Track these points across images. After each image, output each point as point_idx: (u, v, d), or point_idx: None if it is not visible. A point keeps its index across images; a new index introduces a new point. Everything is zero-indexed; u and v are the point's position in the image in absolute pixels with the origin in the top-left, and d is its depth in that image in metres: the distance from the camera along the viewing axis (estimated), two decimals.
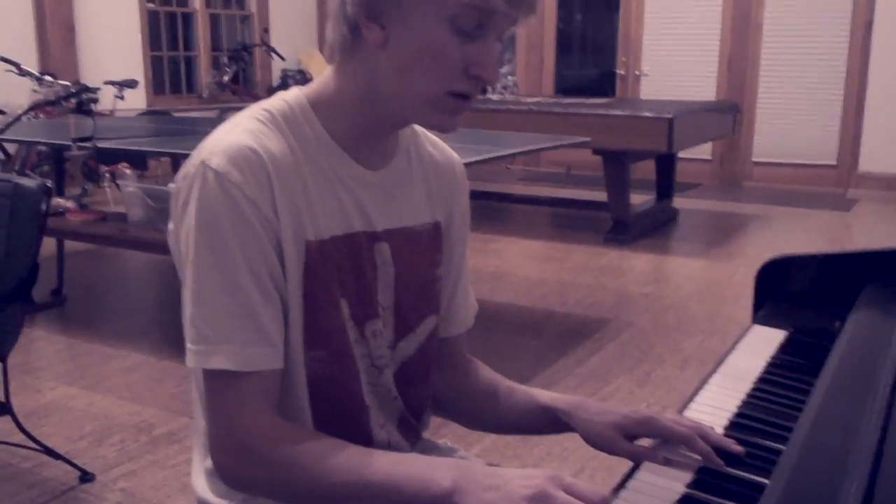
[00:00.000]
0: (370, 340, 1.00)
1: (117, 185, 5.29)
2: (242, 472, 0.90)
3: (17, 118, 4.02)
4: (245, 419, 0.88)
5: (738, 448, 0.91)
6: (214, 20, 7.97)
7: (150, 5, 7.20)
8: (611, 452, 1.00)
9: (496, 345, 3.25)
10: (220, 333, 0.88)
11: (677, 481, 0.87)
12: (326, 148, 0.95)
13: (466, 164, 1.16)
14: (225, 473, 0.91)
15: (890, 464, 0.72)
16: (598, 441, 1.00)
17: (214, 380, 0.89)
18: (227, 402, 0.89)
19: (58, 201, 3.61)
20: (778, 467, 0.80)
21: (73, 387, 2.84)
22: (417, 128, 1.07)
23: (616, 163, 5.00)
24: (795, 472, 0.77)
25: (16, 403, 2.27)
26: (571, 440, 1.06)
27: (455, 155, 1.12)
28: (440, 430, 1.28)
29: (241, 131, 0.91)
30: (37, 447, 2.26)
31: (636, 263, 4.72)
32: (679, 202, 6.07)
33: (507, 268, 4.53)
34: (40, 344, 3.26)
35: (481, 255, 4.71)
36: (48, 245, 2.40)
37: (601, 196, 5.27)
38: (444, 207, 1.09)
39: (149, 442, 2.44)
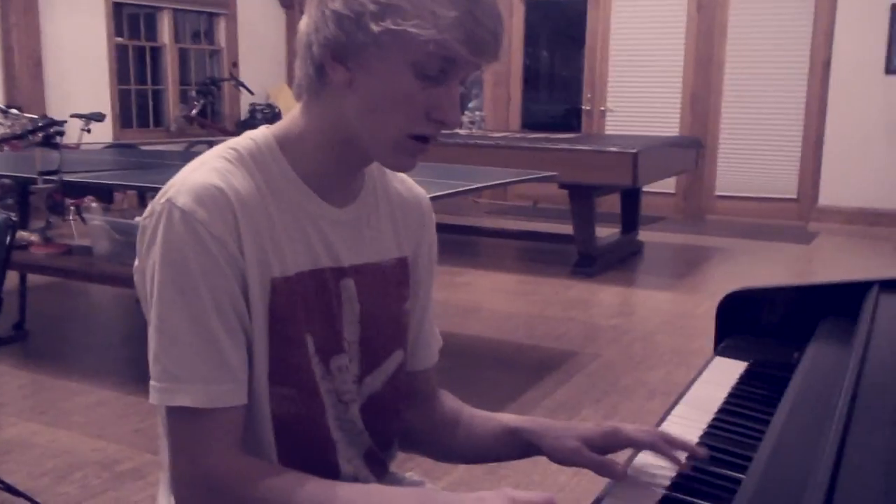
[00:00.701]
0: (336, 375, 1.01)
1: (82, 219, 5.24)
2: None
3: None
4: (209, 457, 0.88)
5: (703, 452, 0.95)
6: (183, 54, 7.97)
7: (119, 39, 7.19)
8: (575, 464, 1.02)
9: (464, 377, 3.25)
10: (185, 371, 0.88)
11: None
12: (293, 186, 0.96)
13: (435, 198, 1.18)
14: None
15: (845, 493, 0.74)
16: (563, 454, 1.02)
17: (178, 417, 0.89)
18: (191, 439, 0.89)
19: (21, 234, 3.56)
20: (738, 496, 0.82)
21: (36, 422, 2.79)
22: None
23: (582, 196, 5.07)
24: (754, 501, 0.79)
25: None
26: (539, 472, 1.07)
27: (421, 191, 1.14)
28: (407, 463, 1.28)
29: (207, 170, 0.92)
30: None
31: (603, 296, 4.76)
32: (644, 235, 6.15)
33: (475, 301, 4.55)
34: (2, 379, 3.20)
35: (450, 289, 4.72)
36: (10, 278, 2.37)
37: (567, 229, 5.32)
38: (411, 243, 1.10)
39: (112, 478, 2.40)
